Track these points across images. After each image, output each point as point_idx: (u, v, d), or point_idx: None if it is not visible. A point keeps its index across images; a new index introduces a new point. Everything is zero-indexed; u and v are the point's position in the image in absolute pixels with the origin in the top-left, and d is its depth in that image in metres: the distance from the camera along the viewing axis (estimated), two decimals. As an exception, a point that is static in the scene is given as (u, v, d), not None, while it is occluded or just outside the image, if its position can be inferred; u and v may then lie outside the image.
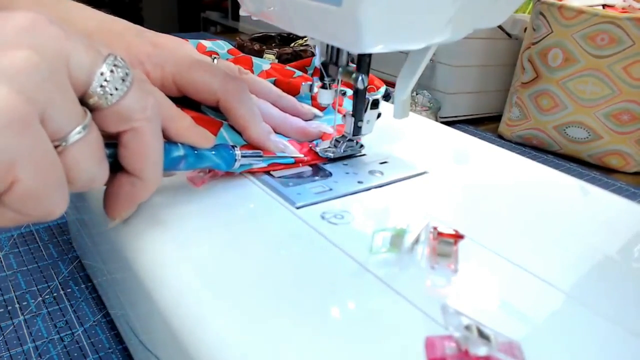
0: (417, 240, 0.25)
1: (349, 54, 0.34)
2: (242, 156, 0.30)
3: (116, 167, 0.23)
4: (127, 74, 0.22)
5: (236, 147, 0.30)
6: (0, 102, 0.17)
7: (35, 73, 0.18)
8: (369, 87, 0.45)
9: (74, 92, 0.20)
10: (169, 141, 0.26)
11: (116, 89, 0.21)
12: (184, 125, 0.27)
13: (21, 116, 0.17)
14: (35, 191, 0.18)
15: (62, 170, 0.19)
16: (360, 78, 0.33)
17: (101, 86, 0.21)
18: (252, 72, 0.44)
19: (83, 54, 0.20)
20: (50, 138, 0.19)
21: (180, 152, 0.27)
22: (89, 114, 0.21)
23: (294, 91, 0.41)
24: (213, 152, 0.28)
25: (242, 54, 0.45)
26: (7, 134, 0.17)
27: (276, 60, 0.49)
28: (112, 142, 0.23)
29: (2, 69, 0.17)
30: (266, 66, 0.45)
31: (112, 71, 0.21)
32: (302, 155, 0.34)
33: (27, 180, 0.18)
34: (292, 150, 0.34)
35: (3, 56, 0.18)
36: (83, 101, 0.21)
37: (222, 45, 0.46)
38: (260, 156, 0.32)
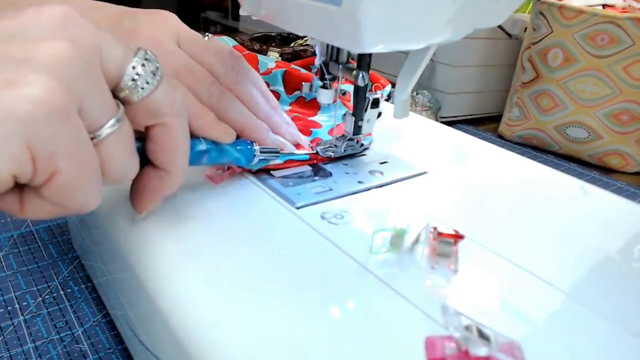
0: (417, 240, 0.25)
1: (349, 53, 0.34)
2: (261, 152, 0.31)
3: (143, 161, 0.23)
4: (157, 68, 0.22)
5: (254, 142, 0.31)
6: (41, 91, 0.17)
7: (73, 64, 0.18)
8: (375, 85, 0.46)
9: (107, 85, 0.20)
10: (193, 136, 0.27)
11: (147, 82, 0.21)
12: (208, 121, 0.28)
13: (62, 106, 0.17)
14: (74, 183, 0.18)
15: (98, 163, 0.19)
16: (360, 75, 0.33)
17: (133, 80, 0.21)
18: (258, 69, 0.44)
19: (115, 47, 0.20)
20: (86, 130, 0.19)
21: (203, 146, 0.27)
22: (121, 107, 0.21)
23: (305, 81, 0.42)
24: (234, 147, 0.29)
25: (247, 52, 0.45)
26: (48, 124, 0.17)
27: (280, 59, 0.49)
28: (139, 136, 0.23)
29: (41, 59, 0.17)
30: (271, 64, 0.45)
31: (143, 65, 0.21)
32: (313, 151, 0.35)
33: (66, 172, 0.18)
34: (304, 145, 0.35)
35: (41, 47, 0.17)
36: (114, 94, 0.21)
37: (227, 42, 0.46)
38: (278, 152, 0.32)
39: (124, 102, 0.21)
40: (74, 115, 0.18)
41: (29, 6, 0.19)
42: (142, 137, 0.23)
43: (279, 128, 0.35)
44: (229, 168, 0.31)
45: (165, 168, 0.24)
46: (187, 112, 0.24)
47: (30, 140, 0.17)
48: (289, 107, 0.43)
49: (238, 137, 0.31)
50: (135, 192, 0.25)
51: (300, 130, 0.37)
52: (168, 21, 0.33)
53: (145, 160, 0.24)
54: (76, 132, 0.18)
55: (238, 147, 0.30)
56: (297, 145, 0.35)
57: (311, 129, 0.38)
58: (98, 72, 0.19)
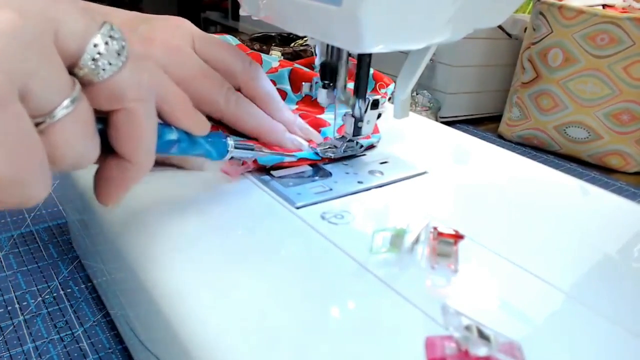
0: (417, 240, 0.25)
1: (349, 54, 0.34)
2: (235, 147, 0.29)
3: (105, 146, 0.21)
4: (123, 47, 0.19)
5: (229, 136, 0.29)
6: None
7: (17, 38, 0.16)
8: (378, 84, 0.46)
9: (62, 61, 0.18)
10: (162, 123, 0.25)
11: (110, 63, 0.19)
12: (179, 107, 0.25)
13: None
14: (11, 179, 0.16)
15: (44, 153, 0.17)
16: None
17: (93, 59, 0.18)
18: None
19: (75, 20, 0.18)
20: (33, 114, 0.17)
21: (174, 135, 0.25)
22: (77, 85, 0.18)
23: (311, 79, 0.42)
24: (205, 139, 0.27)
25: (251, 51, 0.46)
26: None
27: (282, 58, 0.49)
28: (102, 116, 0.21)
29: None
30: (275, 63, 0.45)
31: (107, 43, 0.19)
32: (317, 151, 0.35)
33: (1, 169, 0.16)
34: (306, 147, 0.35)
35: None
36: (71, 73, 0.18)
37: (230, 41, 0.46)
38: (253, 148, 0.31)
39: (84, 82, 0.19)
40: (11, 104, 0.15)
41: None
42: (103, 119, 0.21)
43: (293, 125, 0.36)
44: (244, 163, 0.32)
45: (128, 158, 0.21)
46: (155, 96, 0.22)
47: None
48: (296, 106, 0.43)
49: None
50: (99, 183, 0.22)
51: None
52: (182, 26, 0.33)
53: (108, 147, 0.21)
54: (13, 123, 0.16)
55: (210, 139, 0.27)
56: (309, 141, 0.36)
57: (320, 128, 0.39)
58: (49, 47, 0.17)
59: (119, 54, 0.19)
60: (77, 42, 0.18)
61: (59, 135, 0.18)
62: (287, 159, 0.33)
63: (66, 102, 0.17)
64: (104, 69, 0.19)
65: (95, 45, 0.18)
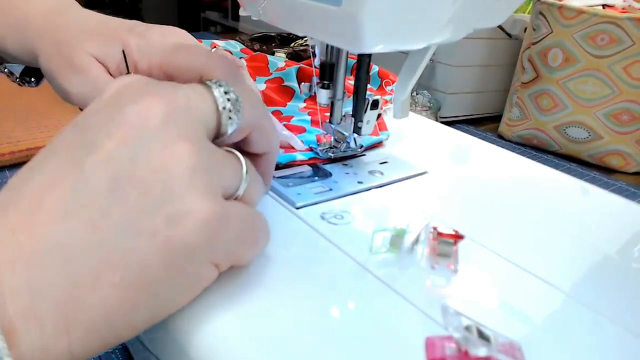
0: (417, 240, 0.25)
1: (348, 54, 0.34)
2: None
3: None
4: (236, 97, 0.22)
5: None
6: (201, 215, 0.18)
7: (204, 167, 0.19)
8: (384, 81, 0.47)
9: (219, 149, 0.21)
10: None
11: (237, 112, 0.22)
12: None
13: (220, 214, 0.19)
14: (250, 255, 0.22)
15: (256, 218, 0.22)
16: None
17: (229, 118, 0.21)
18: (268, 69, 0.45)
19: (203, 101, 0.21)
20: (230, 195, 0.21)
21: None
22: (242, 160, 0.22)
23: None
24: None
25: (255, 53, 0.46)
26: (219, 236, 0.19)
27: (287, 59, 0.50)
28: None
29: (178, 179, 0.18)
30: (281, 63, 0.45)
31: (228, 100, 0.21)
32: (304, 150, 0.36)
33: (242, 255, 0.22)
34: (300, 145, 0.35)
35: (171, 164, 0.18)
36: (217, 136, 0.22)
37: (235, 45, 0.47)
38: None
39: (218, 136, 0.22)
40: (230, 211, 0.20)
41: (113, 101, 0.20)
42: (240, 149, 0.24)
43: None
44: None
45: (268, 151, 0.25)
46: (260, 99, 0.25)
47: (212, 257, 0.20)
48: (304, 104, 0.44)
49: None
50: (257, 179, 0.26)
51: (320, 124, 0.38)
52: (182, 38, 0.34)
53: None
54: (236, 220, 0.20)
55: None
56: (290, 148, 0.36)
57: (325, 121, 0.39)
58: (216, 151, 0.21)
59: (237, 100, 0.22)
60: (214, 119, 0.21)
61: (248, 196, 0.22)
62: (300, 157, 0.34)
63: (244, 177, 0.22)
64: (231, 123, 0.21)
65: (224, 108, 0.21)
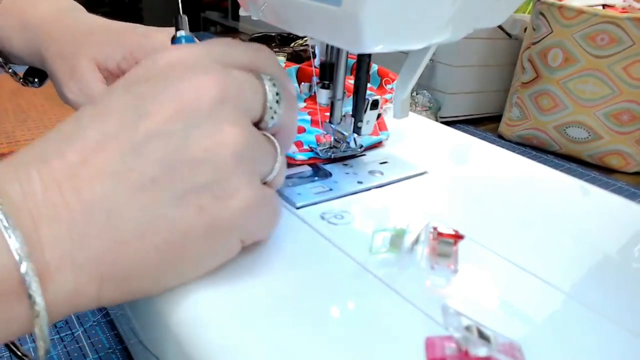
0: (417, 240, 0.25)
1: (348, 54, 0.34)
2: None
3: None
4: (277, 93, 0.23)
5: None
6: (244, 199, 0.20)
7: (250, 153, 0.20)
8: (384, 79, 0.47)
9: (260, 133, 0.22)
10: None
11: (278, 108, 0.23)
12: None
13: (260, 197, 0.21)
14: (268, 234, 0.25)
15: (278, 201, 0.23)
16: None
17: (274, 113, 0.22)
18: None
19: (251, 89, 0.21)
20: (263, 179, 0.22)
21: None
22: (276, 144, 0.23)
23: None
24: None
25: None
26: (254, 218, 0.21)
27: (286, 60, 0.50)
28: None
29: (223, 163, 0.19)
30: (281, 64, 0.46)
31: (277, 95, 0.22)
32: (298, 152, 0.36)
33: (265, 234, 0.24)
34: (293, 148, 0.35)
35: (220, 147, 0.19)
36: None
37: None
38: None
39: (261, 127, 0.23)
40: (265, 196, 0.21)
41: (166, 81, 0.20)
42: None
43: None
44: None
45: (284, 145, 0.26)
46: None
47: (242, 234, 0.21)
48: (304, 104, 0.44)
49: None
50: None
51: (320, 124, 0.38)
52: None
53: None
54: (268, 205, 0.22)
55: None
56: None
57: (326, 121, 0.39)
58: (259, 137, 0.22)
59: (282, 98, 0.23)
60: (259, 111, 0.22)
61: (277, 180, 0.23)
62: (300, 157, 0.34)
63: (279, 159, 0.23)
64: (272, 119, 0.23)
65: (270, 104, 0.22)
